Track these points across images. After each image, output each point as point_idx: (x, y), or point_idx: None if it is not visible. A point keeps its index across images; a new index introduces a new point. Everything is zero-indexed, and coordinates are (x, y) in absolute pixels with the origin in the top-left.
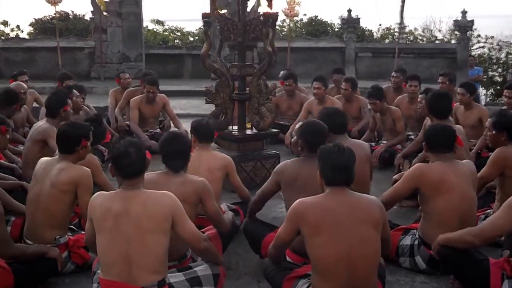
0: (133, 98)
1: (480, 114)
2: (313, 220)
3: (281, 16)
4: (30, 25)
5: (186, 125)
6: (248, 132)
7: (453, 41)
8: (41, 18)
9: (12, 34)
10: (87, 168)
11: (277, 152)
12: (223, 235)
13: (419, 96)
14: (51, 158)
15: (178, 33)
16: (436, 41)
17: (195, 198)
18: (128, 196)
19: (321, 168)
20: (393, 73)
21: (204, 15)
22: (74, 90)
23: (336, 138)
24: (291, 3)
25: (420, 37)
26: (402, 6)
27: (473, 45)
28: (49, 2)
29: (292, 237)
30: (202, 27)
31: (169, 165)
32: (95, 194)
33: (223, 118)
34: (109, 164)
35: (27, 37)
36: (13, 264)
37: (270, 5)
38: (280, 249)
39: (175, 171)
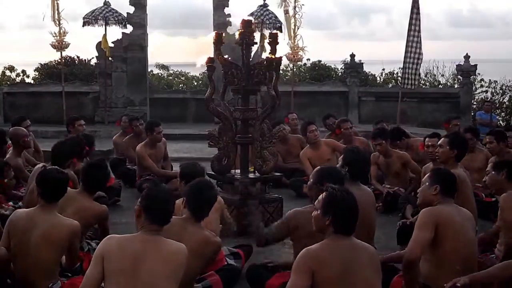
0: (139, 149)
1: (488, 155)
2: (329, 271)
3: (285, 61)
4: (35, 70)
5: None
6: (251, 175)
7: (456, 86)
8: (47, 63)
9: (18, 79)
10: (76, 221)
11: (280, 196)
12: (225, 280)
13: (431, 139)
14: (30, 210)
15: (183, 78)
16: (439, 86)
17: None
18: (148, 240)
19: (334, 216)
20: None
21: (208, 60)
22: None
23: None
24: (295, 49)
25: (423, 82)
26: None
27: (476, 89)
28: (55, 48)
29: None
30: (206, 71)
31: (195, 213)
32: (107, 237)
33: (225, 161)
34: (138, 205)
35: (32, 82)
36: None
37: (273, 50)
38: None
39: (199, 219)
